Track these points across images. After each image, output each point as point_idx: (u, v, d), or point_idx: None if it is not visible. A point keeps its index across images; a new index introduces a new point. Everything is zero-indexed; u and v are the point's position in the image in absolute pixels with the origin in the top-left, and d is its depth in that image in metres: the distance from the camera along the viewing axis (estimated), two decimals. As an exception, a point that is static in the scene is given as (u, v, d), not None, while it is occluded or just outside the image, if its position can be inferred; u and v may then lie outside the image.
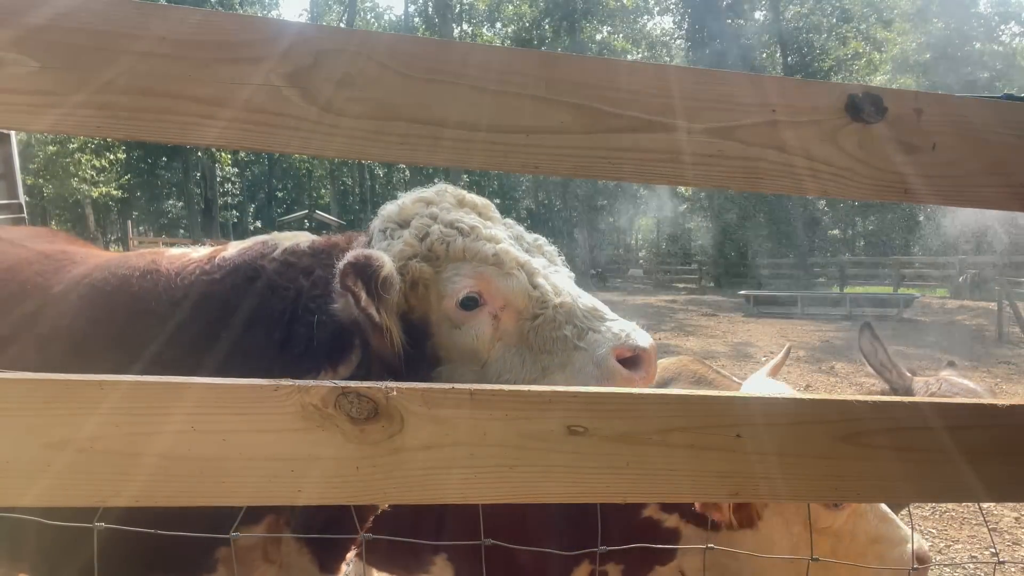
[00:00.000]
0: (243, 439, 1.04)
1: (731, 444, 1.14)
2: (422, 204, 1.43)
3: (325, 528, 1.55)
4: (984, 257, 25.04)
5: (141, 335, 1.41)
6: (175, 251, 1.58)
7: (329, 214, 31.70)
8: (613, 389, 1.19)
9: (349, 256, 1.30)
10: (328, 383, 1.06)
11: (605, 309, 1.35)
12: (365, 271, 1.29)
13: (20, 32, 0.98)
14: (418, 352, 1.36)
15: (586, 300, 1.35)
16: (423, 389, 1.09)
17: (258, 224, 45.42)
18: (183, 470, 1.04)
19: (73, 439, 1.01)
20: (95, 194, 32.70)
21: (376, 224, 1.48)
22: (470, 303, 1.32)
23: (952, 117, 1.25)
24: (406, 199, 1.46)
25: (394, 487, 1.09)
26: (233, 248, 1.54)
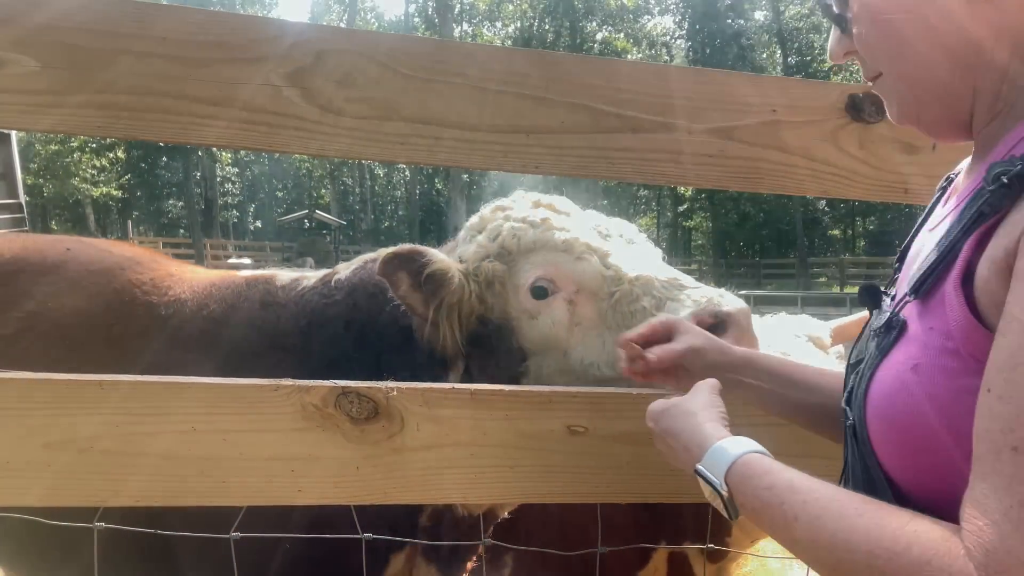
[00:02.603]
0: (243, 439, 1.04)
1: (731, 444, 1.14)
2: (499, 210, 1.47)
3: (452, 551, 1.59)
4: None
5: (276, 367, 1.41)
6: (284, 276, 1.63)
7: (329, 214, 31.69)
8: (613, 389, 1.19)
9: (396, 247, 1.34)
10: (328, 383, 1.06)
11: (687, 279, 1.30)
12: (410, 263, 1.33)
13: (21, 32, 0.98)
14: (505, 349, 1.37)
15: (667, 272, 1.31)
16: (423, 389, 1.09)
17: (258, 224, 45.45)
18: (183, 470, 1.04)
19: (73, 439, 1.01)
20: (95, 194, 32.71)
21: (460, 234, 1.54)
22: (541, 292, 1.32)
23: (952, 117, 1.25)
24: (486, 209, 1.51)
25: (394, 487, 1.09)
26: (345, 269, 1.60)
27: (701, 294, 1.23)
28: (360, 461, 1.07)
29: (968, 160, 0.89)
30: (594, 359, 1.28)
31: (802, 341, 1.97)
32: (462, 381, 1.39)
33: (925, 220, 0.91)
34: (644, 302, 1.24)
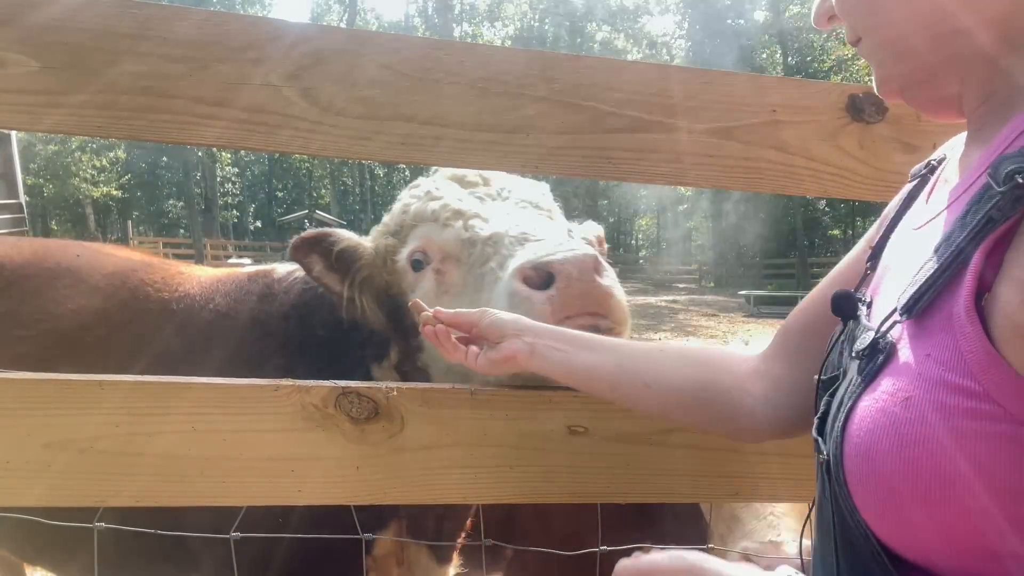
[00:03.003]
0: (243, 439, 1.04)
1: (731, 444, 1.14)
2: (413, 187, 1.46)
3: (438, 524, 1.61)
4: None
5: (264, 353, 1.55)
6: (281, 270, 1.71)
7: (329, 214, 31.69)
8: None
9: (304, 232, 1.39)
10: (328, 383, 1.06)
11: (540, 231, 1.19)
12: (319, 244, 1.38)
13: (21, 32, 0.98)
14: (408, 323, 1.38)
15: (522, 227, 1.20)
16: (423, 389, 1.09)
17: (258, 224, 45.43)
18: (184, 470, 1.04)
19: (74, 439, 1.01)
20: (95, 194, 32.70)
21: None
22: (418, 264, 1.31)
23: (952, 117, 1.25)
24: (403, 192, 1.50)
25: (395, 487, 1.09)
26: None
27: (539, 247, 1.11)
28: (360, 461, 1.07)
29: (955, 144, 0.80)
30: None
31: None
32: (398, 364, 1.43)
33: (901, 214, 0.81)
34: (492, 263, 1.18)
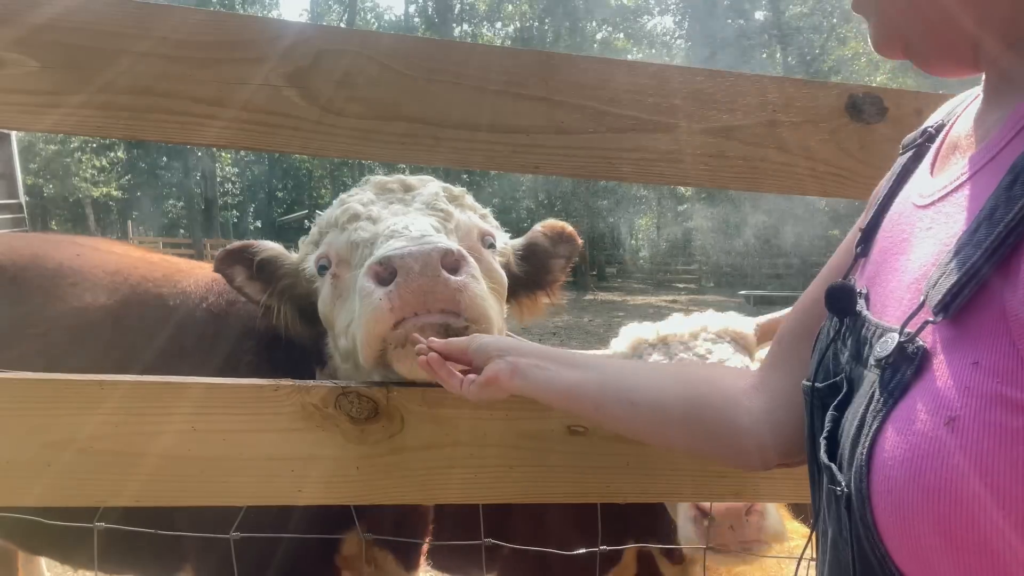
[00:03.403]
0: (243, 439, 1.04)
1: (731, 444, 1.14)
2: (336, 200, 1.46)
3: (396, 529, 1.61)
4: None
5: (239, 348, 1.61)
6: None
7: (329, 214, 31.63)
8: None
9: (229, 245, 1.43)
10: (328, 383, 1.06)
11: (410, 229, 1.13)
12: (241, 255, 1.41)
13: (20, 32, 0.98)
14: (319, 330, 1.41)
15: (394, 227, 1.15)
16: (423, 389, 1.09)
17: (258, 224, 45.44)
18: (184, 470, 1.03)
19: (74, 439, 1.01)
20: (95, 194, 32.70)
21: None
22: (323, 269, 1.32)
23: (952, 117, 1.25)
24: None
25: (394, 487, 1.09)
26: None
27: (389, 245, 1.07)
28: (360, 461, 1.07)
29: (955, 108, 0.69)
30: (340, 328, 1.24)
31: (724, 344, 1.62)
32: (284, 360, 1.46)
33: (896, 192, 0.70)
34: (367, 263, 1.12)
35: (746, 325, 1.66)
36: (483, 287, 1.08)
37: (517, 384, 0.89)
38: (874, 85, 1.22)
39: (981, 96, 0.63)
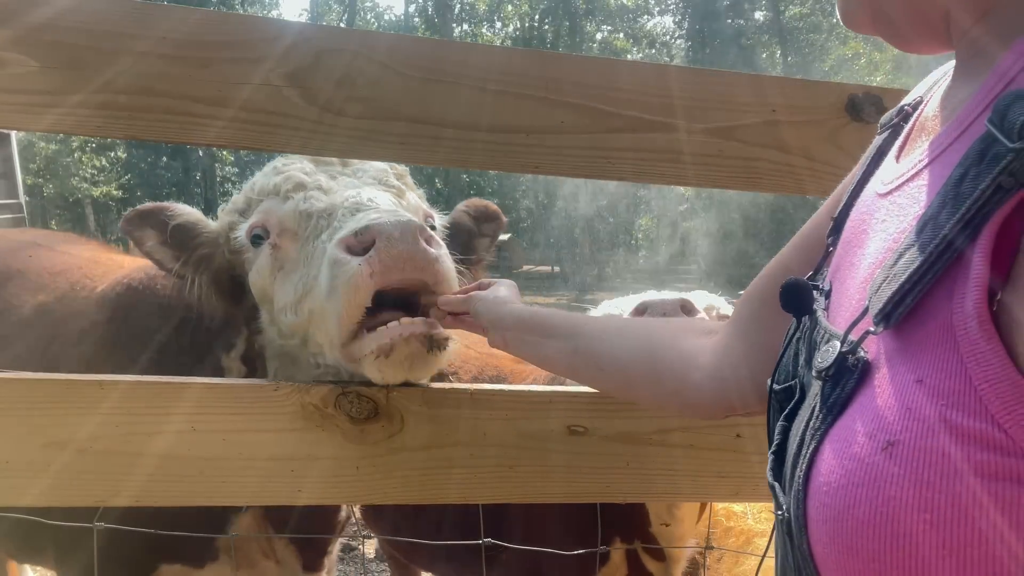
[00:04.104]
0: (243, 439, 1.04)
1: (731, 444, 1.14)
2: (268, 168, 1.40)
3: (302, 524, 1.55)
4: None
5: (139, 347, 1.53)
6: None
7: (329, 214, 31.62)
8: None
9: (140, 206, 1.34)
10: (328, 383, 1.06)
11: (374, 202, 1.14)
12: (153, 218, 1.31)
13: (20, 32, 0.98)
14: (247, 305, 1.34)
15: (356, 199, 1.15)
16: (423, 389, 1.09)
17: (258, 224, 45.37)
18: (183, 470, 1.03)
19: (73, 439, 1.01)
20: (95, 194, 32.69)
21: None
22: (257, 239, 1.25)
23: (952, 117, 1.25)
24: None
25: (394, 487, 1.09)
26: None
27: (362, 216, 1.07)
28: (360, 461, 1.07)
29: (938, 79, 0.62)
30: (284, 302, 1.19)
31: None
32: (244, 353, 1.41)
33: (868, 176, 0.63)
34: (324, 236, 1.13)
35: (723, 305, 1.64)
36: (451, 263, 1.11)
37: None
38: (874, 85, 1.22)
39: (951, 73, 0.57)
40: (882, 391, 0.43)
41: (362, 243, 1.01)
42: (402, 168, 1.38)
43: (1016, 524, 0.35)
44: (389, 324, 1.02)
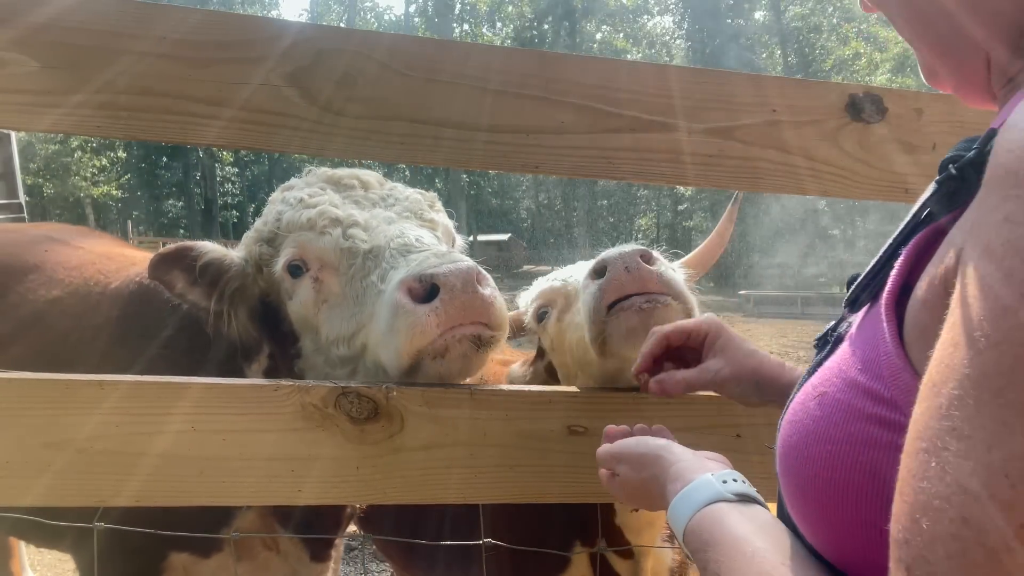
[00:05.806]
0: (243, 439, 1.04)
1: (731, 444, 1.14)
2: (284, 190, 1.42)
3: (308, 518, 1.57)
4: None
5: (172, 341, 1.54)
6: None
7: (329, 214, 31.60)
8: (614, 389, 1.19)
9: (162, 249, 1.35)
10: (328, 383, 1.06)
11: (422, 243, 1.20)
12: (180, 260, 1.34)
13: (20, 32, 0.98)
14: (282, 332, 1.36)
15: (403, 239, 1.21)
16: (423, 389, 1.09)
17: (258, 224, 45.34)
18: (183, 470, 1.03)
19: (73, 439, 1.01)
20: (95, 194, 32.70)
21: None
22: (296, 271, 1.29)
23: (952, 117, 1.25)
24: (276, 191, 1.48)
25: (394, 487, 1.09)
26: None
27: (420, 259, 1.14)
28: (360, 461, 1.07)
29: None
30: (335, 335, 1.24)
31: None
32: (268, 369, 1.42)
33: None
34: (374, 276, 1.18)
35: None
36: (503, 301, 1.16)
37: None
38: (874, 85, 1.22)
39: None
40: (835, 358, 0.57)
41: (424, 288, 1.08)
42: (431, 195, 1.41)
43: (891, 457, 0.45)
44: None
